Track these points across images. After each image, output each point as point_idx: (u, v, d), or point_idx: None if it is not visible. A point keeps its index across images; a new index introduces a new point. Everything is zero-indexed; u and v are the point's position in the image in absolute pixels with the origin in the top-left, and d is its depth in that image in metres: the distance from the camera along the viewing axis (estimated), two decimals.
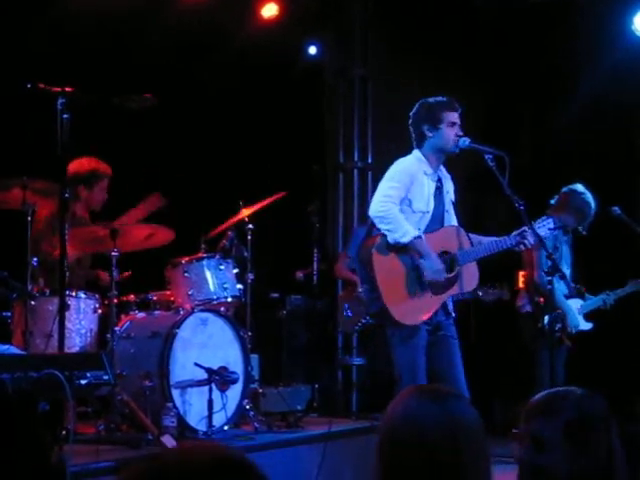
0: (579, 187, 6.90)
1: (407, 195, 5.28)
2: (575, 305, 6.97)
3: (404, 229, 5.15)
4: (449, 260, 5.31)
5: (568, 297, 6.91)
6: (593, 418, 2.30)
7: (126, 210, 5.88)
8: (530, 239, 5.26)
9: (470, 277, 5.38)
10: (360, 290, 7.61)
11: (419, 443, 2.10)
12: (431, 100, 5.43)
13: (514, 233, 5.30)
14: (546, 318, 6.52)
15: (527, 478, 2.31)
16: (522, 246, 5.34)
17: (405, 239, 5.15)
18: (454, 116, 5.37)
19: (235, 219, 6.54)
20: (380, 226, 5.22)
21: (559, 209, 6.78)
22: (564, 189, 6.96)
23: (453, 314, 5.43)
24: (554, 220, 5.55)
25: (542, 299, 6.78)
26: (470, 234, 5.46)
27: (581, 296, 7.08)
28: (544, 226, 5.39)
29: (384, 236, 5.20)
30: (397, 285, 5.21)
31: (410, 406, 2.17)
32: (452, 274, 5.30)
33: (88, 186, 6.36)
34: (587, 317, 7.04)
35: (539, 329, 6.65)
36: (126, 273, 6.24)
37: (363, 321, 7.15)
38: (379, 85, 8.66)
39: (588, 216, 6.81)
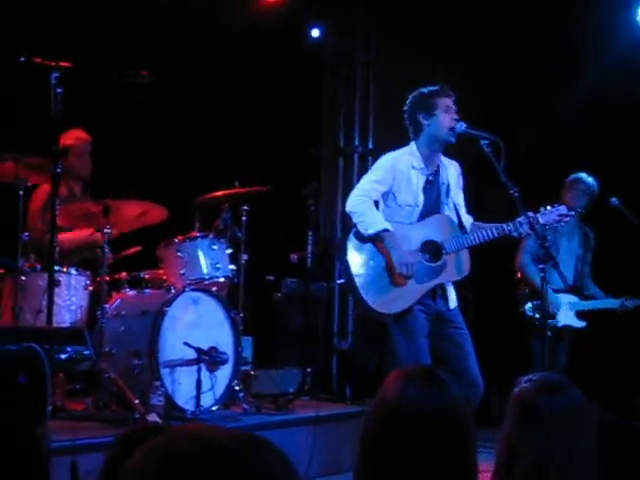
0: (582, 175, 7.05)
1: (391, 189, 5.28)
2: (566, 300, 6.95)
3: (371, 221, 5.16)
4: (434, 249, 5.27)
5: (559, 291, 6.85)
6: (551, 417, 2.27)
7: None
8: (524, 227, 5.21)
9: (461, 265, 5.33)
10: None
11: (419, 427, 2.03)
12: (423, 89, 5.40)
13: (518, 219, 5.20)
14: (528, 305, 6.78)
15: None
16: (516, 234, 5.27)
17: (371, 231, 5.16)
18: (449, 101, 5.33)
19: (228, 191, 6.47)
20: (353, 220, 5.26)
21: (563, 195, 6.95)
22: (568, 179, 7.08)
23: (455, 303, 5.38)
24: (567, 207, 5.46)
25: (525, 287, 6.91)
26: (476, 222, 5.43)
27: (578, 294, 7.06)
28: (554, 212, 5.32)
29: (357, 230, 5.23)
30: (373, 276, 5.21)
31: (409, 389, 2.08)
32: (437, 263, 5.27)
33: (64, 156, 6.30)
34: (581, 315, 7.01)
35: (519, 314, 6.88)
36: (134, 249, 6.25)
37: None
38: (382, 71, 8.59)
39: (591, 198, 7.00)
